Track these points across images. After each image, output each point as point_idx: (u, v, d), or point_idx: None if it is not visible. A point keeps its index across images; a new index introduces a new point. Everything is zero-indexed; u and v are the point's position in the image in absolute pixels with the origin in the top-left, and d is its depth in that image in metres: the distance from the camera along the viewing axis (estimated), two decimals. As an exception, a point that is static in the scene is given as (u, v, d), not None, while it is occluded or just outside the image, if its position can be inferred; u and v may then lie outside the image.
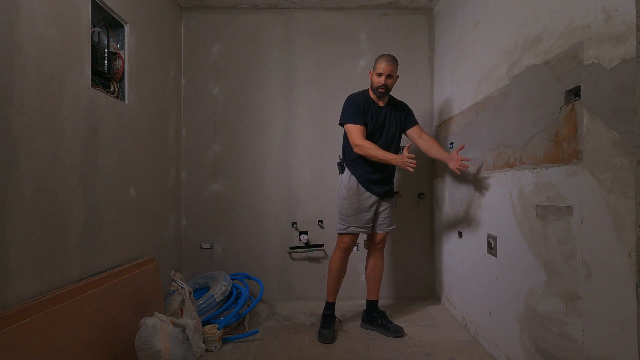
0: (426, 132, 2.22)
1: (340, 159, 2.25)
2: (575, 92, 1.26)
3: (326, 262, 2.73)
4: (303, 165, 2.76)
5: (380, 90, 2.10)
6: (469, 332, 2.12)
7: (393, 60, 2.10)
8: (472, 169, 2.08)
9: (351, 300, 2.68)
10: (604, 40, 1.11)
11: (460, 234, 2.25)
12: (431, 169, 2.78)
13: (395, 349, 1.94)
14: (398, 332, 2.09)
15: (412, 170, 1.92)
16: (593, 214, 1.16)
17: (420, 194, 2.77)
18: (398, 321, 2.29)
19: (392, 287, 2.76)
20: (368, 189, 2.12)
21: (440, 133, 2.63)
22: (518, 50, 1.60)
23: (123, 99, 1.96)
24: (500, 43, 1.75)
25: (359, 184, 2.12)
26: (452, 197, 2.39)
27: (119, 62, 1.92)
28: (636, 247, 0.99)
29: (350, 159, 2.16)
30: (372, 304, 2.24)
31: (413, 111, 2.29)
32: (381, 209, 2.19)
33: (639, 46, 0.98)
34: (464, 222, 2.20)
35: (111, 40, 1.90)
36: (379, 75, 2.09)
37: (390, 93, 2.18)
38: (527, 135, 1.52)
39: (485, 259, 1.91)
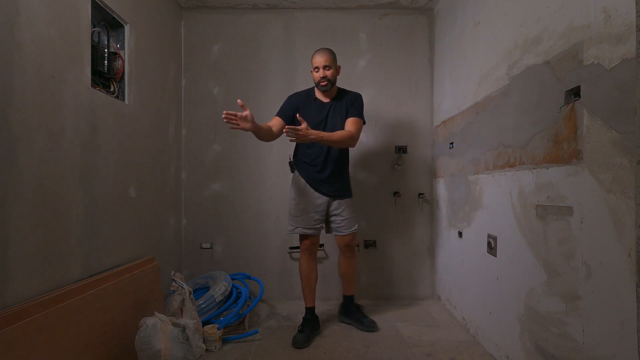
0: (353, 127, 2.03)
1: (290, 158, 2.24)
2: (575, 92, 1.26)
3: (326, 262, 2.73)
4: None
5: (322, 84, 2.05)
6: (469, 332, 2.12)
7: (327, 51, 2.06)
8: (472, 169, 2.08)
9: (351, 300, 2.68)
10: (604, 40, 1.11)
11: (460, 234, 2.25)
12: (431, 169, 2.78)
13: (395, 349, 1.94)
14: (371, 327, 2.14)
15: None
16: (593, 214, 1.16)
17: (420, 194, 2.77)
18: (398, 321, 2.29)
19: (392, 287, 2.76)
20: (316, 189, 2.10)
21: (440, 133, 2.63)
22: (518, 50, 1.60)
23: (123, 99, 1.96)
24: (500, 43, 1.75)
25: (307, 184, 2.11)
26: (452, 197, 2.39)
27: (119, 62, 1.92)
28: (636, 247, 0.99)
29: (298, 159, 2.17)
30: (348, 299, 2.30)
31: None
32: (334, 211, 2.14)
33: (639, 46, 0.98)
34: (464, 222, 2.20)
35: (111, 40, 1.90)
36: (316, 69, 2.05)
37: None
38: (527, 135, 1.52)
39: (485, 259, 1.91)
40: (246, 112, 1.70)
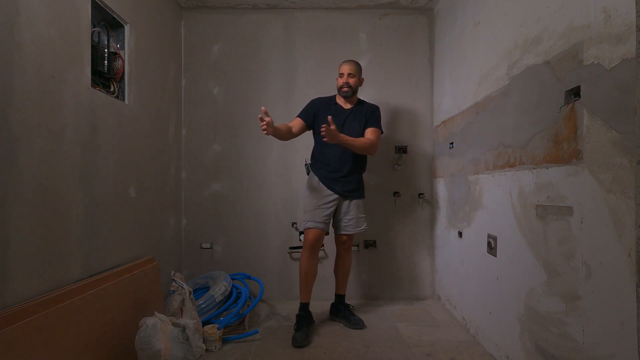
0: (373, 136, 2.17)
1: (307, 161, 2.35)
2: (575, 92, 1.26)
3: (326, 262, 2.73)
4: (303, 165, 2.75)
5: (344, 89, 2.20)
6: (469, 332, 2.12)
7: (354, 62, 2.24)
8: (472, 169, 2.08)
9: (352, 301, 2.68)
10: (604, 40, 1.11)
11: (460, 234, 2.25)
12: (431, 169, 2.78)
13: (395, 349, 1.94)
14: (358, 325, 2.20)
15: (264, 130, 1.84)
16: (593, 214, 1.16)
17: (420, 194, 2.77)
18: (398, 321, 2.30)
19: (392, 287, 2.76)
20: (329, 187, 2.19)
21: (440, 133, 2.63)
22: (518, 50, 1.60)
23: (123, 99, 1.96)
24: (500, 43, 1.75)
25: (320, 182, 2.20)
26: (452, 197, 2.39)
27: (119, 62, 1.92)
28: (636, 247, 0.99)
29: (315, 159, 2.27)
30: (339, 298, 2.37)
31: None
32: (344, 209, 2.23)
33: (639, 46, 0.98)
34: (464, 222, 2.20)
35: (111, 40, 1.90)
36: (341, 75, 2.22)
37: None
38: (527, 135, 1.52)
39: (485, 259, 1.91)
40: (269, 119, 1.85)
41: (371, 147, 2.16)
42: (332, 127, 1.92)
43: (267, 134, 1.87)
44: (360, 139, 2.13)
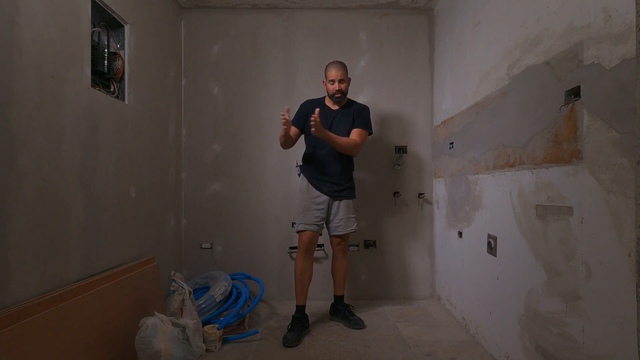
0: (357, 137, 2.18)
1: (297, 163, 2.38)
2: (575, 92, 1.26)
3: (326, 262, 2.73)
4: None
5: (336, 95, 2.20)
6: (469, 332, 2.12)
7: (341, 65, 2.21)
8: (472, 169, 2.08)
9: (352, 301, 2.68)
10: (604, 40, 1.11)
11: (460, 234, 2.25)
12: (431, 169, 2.78)
13: (395, 349, 1.94)
14: (358, 325, 2.21)
15: (284, 123, 1.97)
16: (593, 214, 1.16)
17: (420, 194, 2.77)
18: (398, 321, 2.30)
19: (392, 287, 2.76)
20: (317, 188, 2.20)
21: (440, 133, 2.63)
22: (518, 50, 1.60)
23: (123, 99, 1.96)
24: (500, 43, 1.75)
25: (309, 184, 2.22)
26: (452, 197, 2.39)
27: (119, 62, 1.92)
28: (636, 247, 0.99)
29: (305, 160, 2.30)
30: (338, 298, 2.37)
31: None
32: (334, 210, 2.24)
33: (639, 46, 0.98)
34: (464, 222, 2.20)
35: (111, 40, 1.90)
36: (332, 82, 2.20)
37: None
38: (527, 135, 1.52)
39: (485, 259, 1.91)
40: (288, 117, 1.98)
41: (354, 148, 2.17)
42: (316, 117, 1.93)
43: (284, 126, 1.98)
44: (344, 138, 2.14)
